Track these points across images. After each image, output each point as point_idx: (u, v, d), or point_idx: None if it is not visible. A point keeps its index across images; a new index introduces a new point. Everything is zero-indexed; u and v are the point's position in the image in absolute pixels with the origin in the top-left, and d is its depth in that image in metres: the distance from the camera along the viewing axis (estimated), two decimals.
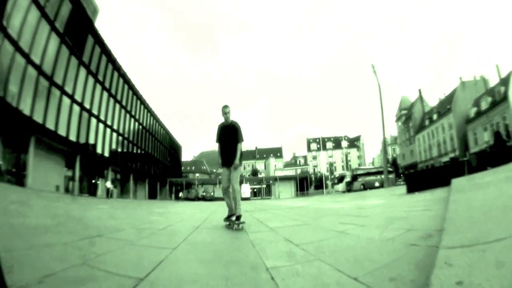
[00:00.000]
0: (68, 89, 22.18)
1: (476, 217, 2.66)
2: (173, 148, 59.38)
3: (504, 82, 36.62)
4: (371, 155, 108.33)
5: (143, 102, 40.31)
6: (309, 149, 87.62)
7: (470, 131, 42.36)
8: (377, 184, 28.98)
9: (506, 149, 14.21)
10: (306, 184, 50.36)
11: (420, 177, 11.63)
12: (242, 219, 4.51)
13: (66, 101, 21.98)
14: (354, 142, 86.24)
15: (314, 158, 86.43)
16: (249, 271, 2.06)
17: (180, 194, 43.92)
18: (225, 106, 4.59)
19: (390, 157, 74.62)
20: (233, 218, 4.57)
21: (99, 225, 4.47)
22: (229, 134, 4.61)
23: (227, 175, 4.58)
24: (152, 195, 41.02)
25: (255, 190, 50.76)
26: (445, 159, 45.00)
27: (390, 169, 33.81)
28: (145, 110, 41.48)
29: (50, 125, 19.94)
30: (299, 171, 78.02)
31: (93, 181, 26.52)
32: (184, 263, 2.32)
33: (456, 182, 7.74)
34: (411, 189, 10.68)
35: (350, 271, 1.83)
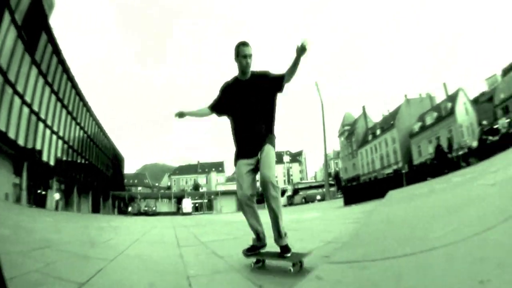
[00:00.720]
0: (20, 88, 20.20)
1: (382, 232, 2.81)
2: (117, 160, 56.48)
3: (451, 98, 40.69)
4: (314, 169, 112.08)
5: (89, 108, 38.00)
6: None
7: (414, 145, 46.10)
8: (318, 197, 29.55)
9: (447, 160, 15.41)
10: None
11: (357, 190, 12.05)
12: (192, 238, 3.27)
13: (17, 101, 20.00)
14: (296, 157, 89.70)
15: None
16: (172, 278, 2.38)
17: (130, 209, 42.30)
18: (245, 44, 2.45)
19: (332, 170, 79.11)
20: (261, 249, 2.51)
21: (48, 237, 4.71)
22: (252, 95, 2.47)
23: (249, 173, 2.43)
24: (96, 209, 38.48)
25: (197, 204, 50.52)
26: (389, 170, 48.05)
27: (332, 183, 35.60)
28: (91, 118, 39.15)
29: (1, 126, 18.08)
30: None
31: (40, 191, 24.39)
32: (119, 271, 2.60)
33: (390, 194, 8.22)
34: (348, 202, 10.93)
35: (259, 280, 2.04)
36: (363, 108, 64.16)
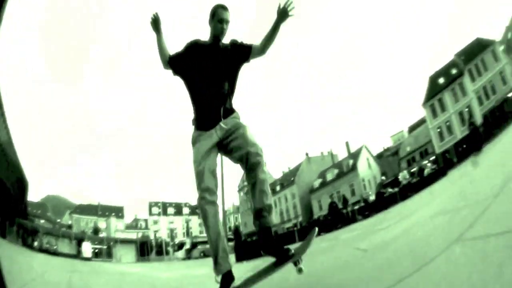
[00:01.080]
0: None
1: None
2: (21, 183, 46.13)
3: (353, 155, 45.92)
4: None
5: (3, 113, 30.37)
6: (150, 213, 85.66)
7: (314, 200, 49.67)
8: None
9: (340, 216, 16.31)
10: (147, 248, 49.17)
11: (251, 246, 11.71)
12: None
13: None
14: (195, 210, 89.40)
15: (156, 222, 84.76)
16: None
17: (35, 243, 35.24)
18: (224, 8, 2.11)
19: (232, 225, 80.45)
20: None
21: None
22: (221, 60, 2.10)
23: (212, 154, 2.01)
24: (2, 233, 29.45)
25: (97, 250, 45.30)
26: (289, 225, 49.20)
27: (231, 237, 35.36)
28: (3, 124, 31.23)
29: None
30: (140, 234, 75.01)
31: None
32: None
33: None
34: (239, 258, 10.44)
35: None
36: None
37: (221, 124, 2.00)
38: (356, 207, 20.43)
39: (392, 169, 44.31)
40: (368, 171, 43.73)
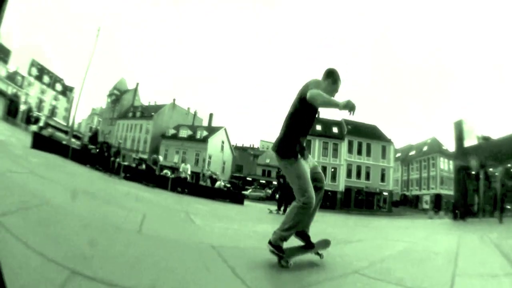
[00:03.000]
0: None
1: None
2: None
3: (210, 129, 46.27)
4: (82, 116, 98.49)
5: None
6: (29, 72, 69.34)
7: (163, 146, 48.11)
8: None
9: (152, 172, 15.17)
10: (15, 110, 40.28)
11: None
12: None
13: None
14: (66, 90, 74.50)
15: (30, 84, 68.67)
16: None
17: None
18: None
19: (94, 126, 72.46)
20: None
21: None
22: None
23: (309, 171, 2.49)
24: None
25: None
26: (135, 155, 47.57)
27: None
28: None
29: None
30: (14, 90, 57.67)
31: None
32: None
33: None
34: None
35: None
36: (137, 84, 60.75)
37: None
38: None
39: (250, 167, 48.60)
40: (219, 153, 45.69)
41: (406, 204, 48.58)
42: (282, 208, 10.45)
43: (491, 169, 16.17)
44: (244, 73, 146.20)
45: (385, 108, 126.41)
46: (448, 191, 41.73)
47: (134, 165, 14.82)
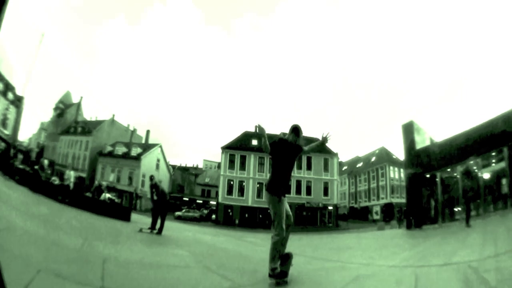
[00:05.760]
0: None
1: None
2: None
3: (145, 146, 44.17)
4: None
5: None
6: None
7: (100, 163, 44.80)
8: None
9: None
10: None
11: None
12: None
13: None
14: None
15: None
16: None
17: None
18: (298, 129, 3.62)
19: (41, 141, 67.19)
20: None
21: None
22: (292, 155, 3.54)
23: (285, 210, 3.43)
24: None
25: None
26: (79, 174, 43.68)
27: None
28: None
29: None
30: None
31: None
32: None
33: None
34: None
35: None
36: (81, 98, 57.10)
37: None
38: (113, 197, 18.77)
39: (190, 187, 46.04)
40: (154, 172, 42.90)
41: (355, 217, 47.51)
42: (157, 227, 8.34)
43: (448, 170, 14.73)
44: (193, 92, 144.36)
45: (331, 121, 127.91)
46: (400, 199, 41.04)
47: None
